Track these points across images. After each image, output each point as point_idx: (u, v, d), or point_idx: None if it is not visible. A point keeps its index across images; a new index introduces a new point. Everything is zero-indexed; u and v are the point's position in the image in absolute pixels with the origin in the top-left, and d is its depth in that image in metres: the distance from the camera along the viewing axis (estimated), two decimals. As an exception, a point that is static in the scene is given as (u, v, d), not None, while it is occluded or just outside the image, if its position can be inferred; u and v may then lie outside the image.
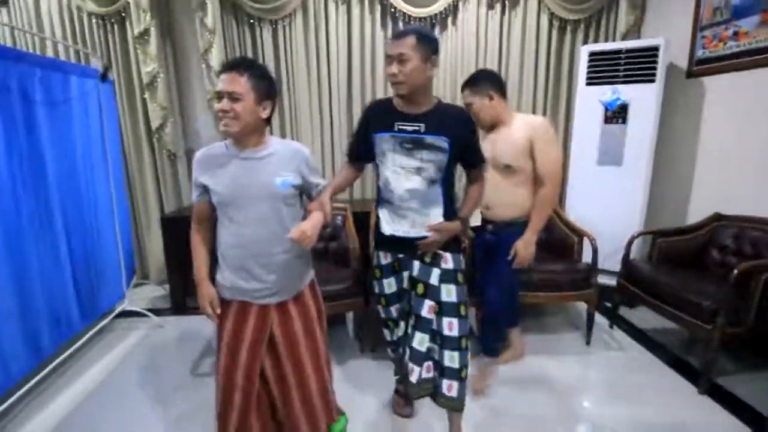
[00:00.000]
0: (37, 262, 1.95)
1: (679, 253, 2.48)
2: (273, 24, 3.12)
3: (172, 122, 3.18)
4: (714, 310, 1.90)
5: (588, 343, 2.43)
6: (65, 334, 2.17)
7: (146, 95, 3.11)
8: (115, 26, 3.10)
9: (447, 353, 1.47)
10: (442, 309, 1.48)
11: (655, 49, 2.58)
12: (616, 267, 2.59)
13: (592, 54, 2.77)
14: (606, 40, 3.15)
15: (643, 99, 2.66)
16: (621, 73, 2.70)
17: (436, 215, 1.47)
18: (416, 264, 1.50)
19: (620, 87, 2.70)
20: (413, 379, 1.48)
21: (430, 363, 1.51)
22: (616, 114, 2.74)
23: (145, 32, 2.99)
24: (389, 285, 1.60)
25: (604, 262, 2.54)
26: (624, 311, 2.77)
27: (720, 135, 2.59)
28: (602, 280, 2.41)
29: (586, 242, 2.44)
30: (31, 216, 1.92)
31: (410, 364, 1.48)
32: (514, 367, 2.19)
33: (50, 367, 2.09)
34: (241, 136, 1.25)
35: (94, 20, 3.08)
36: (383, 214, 1.53)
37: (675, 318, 2.11)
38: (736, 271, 1.86)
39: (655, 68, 2.60)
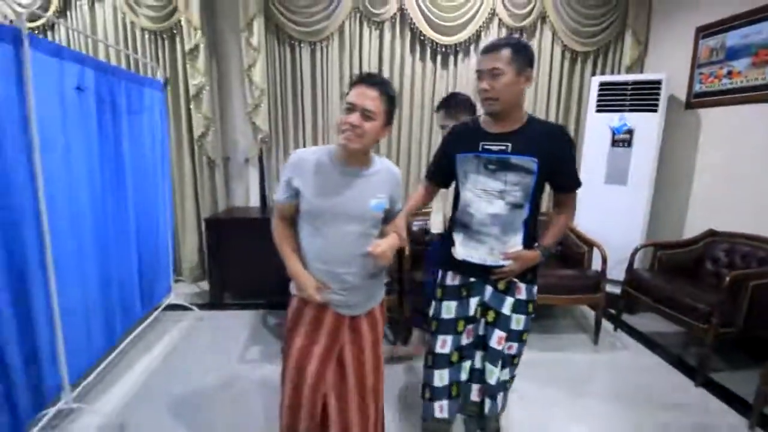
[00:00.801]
0: (116, 256, 2.19)
1: (678, 264, 2.78)
2: (312, 45, 3.41)
3: (213, 131, 3.44)
4: (709, 312, 2.19)
5: (596, 343, 2.70)
6: (131, 321, 2.39)
7: (192, 105, 3.37)
8: (166, 41, 3.37)
9: (503, 370, 1.53)
10: (509, 335, 1.48)
11: (658, 82, 2.92)
12: (619, 276, 2.88)
13: (602, 84, 3.10)
14: (612, 71, 3.49)
15: (646, 126, 2.98)
16: (627, 102, 3.03)
17: (515, 243, 1.39)
18: (488, 290, 1.46)
19: (626, 114, 3.03)
20: (487, 410, 1.52)
21: (502, 393, 1.55)
22: (622, 138, 3.06)
23: (195, 48, 3.26)
24: (447, 309, 1.51)
25: (609, 272, 2.81)
26: (625, 317, 3.05)
27: (713, 160, 2.91)
28: (606, 288, 2.69)
29: (595, 252, 2.74)
30: (114, 216, 2.16)
31: (485, 398, 1.52)
32: (533, 362, 2.44)
33: (119, 348, 2.32)
34: (357, 153, 1.23)
35: (146, 35, 3.35)
36: (458, 237, 1.46)
37: (674, 319, 2.39)
38: (728, 279, 2.16)
39: (657, 99, 2.93)
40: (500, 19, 3.39)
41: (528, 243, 1.41)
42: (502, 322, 1.45)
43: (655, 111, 2.94)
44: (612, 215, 3.11)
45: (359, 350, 1.35)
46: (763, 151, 2.57)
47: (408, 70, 3.49)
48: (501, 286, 1.44)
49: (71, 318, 1.80)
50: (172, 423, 1.87)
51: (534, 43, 3.47)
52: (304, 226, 1.30)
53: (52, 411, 1.75)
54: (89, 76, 1.93)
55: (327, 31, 3.35)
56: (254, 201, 3.71)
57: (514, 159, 1.33)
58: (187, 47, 3.26)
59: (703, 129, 2.99)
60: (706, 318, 2.20)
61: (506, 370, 1.53)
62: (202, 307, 3.11)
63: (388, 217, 1.36)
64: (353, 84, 1.22)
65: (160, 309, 2.84)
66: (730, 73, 2.76)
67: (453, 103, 2.05)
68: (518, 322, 1.47)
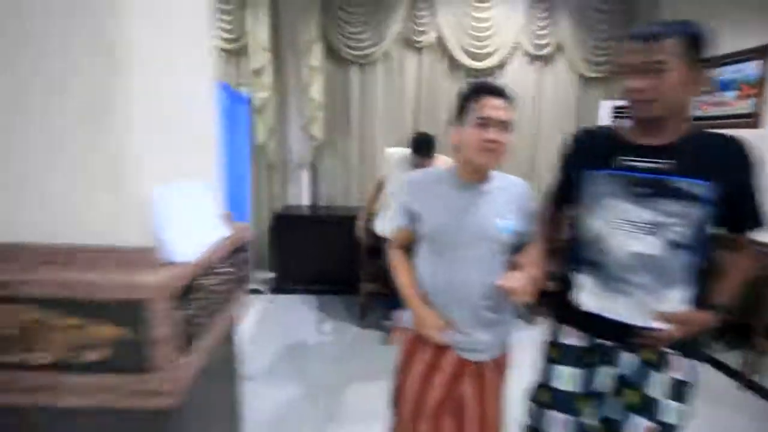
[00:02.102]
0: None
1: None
2: (361, 66, 3.90)
3: (275, 139, 3.90)
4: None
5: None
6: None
7: (257, 117, 3.83)
8: (233, 58, 3.83)
9: None
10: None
11: (660, 107, 3.47)
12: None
13: (616, 107, 3.65)
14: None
15: (650, 143, 3.53)
16: (634, 123, 3.57)
17: (676, 300, 1.01)
18: (627, 358, 1.07)
19: (633, 134, 3.58)
20: None
21: None
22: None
23: (262, 66, 3.72)
24: (568, 380, 1.13)
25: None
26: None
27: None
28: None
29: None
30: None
31: None
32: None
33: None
34: (486, 170, 1.16)
35: (218, 53, 3.80)
36: (587, 282, 1.09)
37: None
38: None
39: (659, 121, 3.48)
40: (524, 48, 3.93)
41: (700, 302, 1.02)
42: (648, 407, 1.04)
43: (658, 131, 3.49)
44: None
45: (485, 404, 1.19)
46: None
47: (444, 91, 3.99)
48: (650, 355, 1.05)
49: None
50: (283, 372, 2.38)
51: (551, 70, 4.01)
52: (424, 253, 1.22)
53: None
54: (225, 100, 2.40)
55: (375, 55, 3.85)
56: (305, 201, 4.19)
57: (677, 181, 0.98)
58: (254, 66, 3.72)
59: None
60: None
61: None
62: (269, 291, 3.58)
63: (520, 242, 1.20)
64: (470, 96, 1.11)
65: (239, 293, 3.30)
66: (720, 102, 3.33)
67: (425, 145, 2.38)
68: (680, 415, 1.04)
